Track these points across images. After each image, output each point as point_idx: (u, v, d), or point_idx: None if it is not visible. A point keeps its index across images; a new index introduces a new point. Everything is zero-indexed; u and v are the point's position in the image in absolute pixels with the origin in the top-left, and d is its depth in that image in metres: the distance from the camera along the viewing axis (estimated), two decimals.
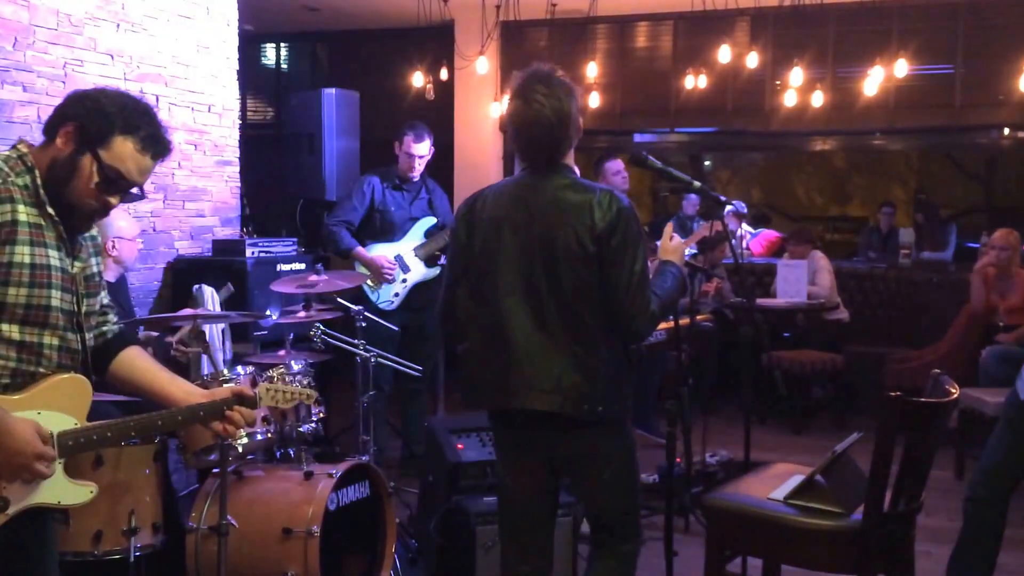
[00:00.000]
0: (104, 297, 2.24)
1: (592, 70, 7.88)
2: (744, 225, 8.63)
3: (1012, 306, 5.63)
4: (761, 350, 4.75)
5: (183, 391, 2.24)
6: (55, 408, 2.02)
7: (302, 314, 3.98)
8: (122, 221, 3.88)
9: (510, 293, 2.56)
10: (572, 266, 2.50)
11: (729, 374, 6.44)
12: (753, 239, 8.51)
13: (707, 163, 12.42)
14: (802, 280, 6.44)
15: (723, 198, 3.69)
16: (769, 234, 8.79)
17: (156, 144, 2.08)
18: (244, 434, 3.38)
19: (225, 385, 3.18)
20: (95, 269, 2.18)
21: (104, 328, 2.24)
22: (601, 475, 2.61)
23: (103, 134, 2.01)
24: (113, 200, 2.07)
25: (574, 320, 2.51)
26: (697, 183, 3.09)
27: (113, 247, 3.82)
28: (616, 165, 5.36)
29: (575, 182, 2.57)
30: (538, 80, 2.54)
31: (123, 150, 2.03)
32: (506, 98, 8.28)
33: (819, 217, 11.85)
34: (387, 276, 4.95)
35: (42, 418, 1.99)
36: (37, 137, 4.04)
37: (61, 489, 2.04)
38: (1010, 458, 3.31)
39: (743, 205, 9.20)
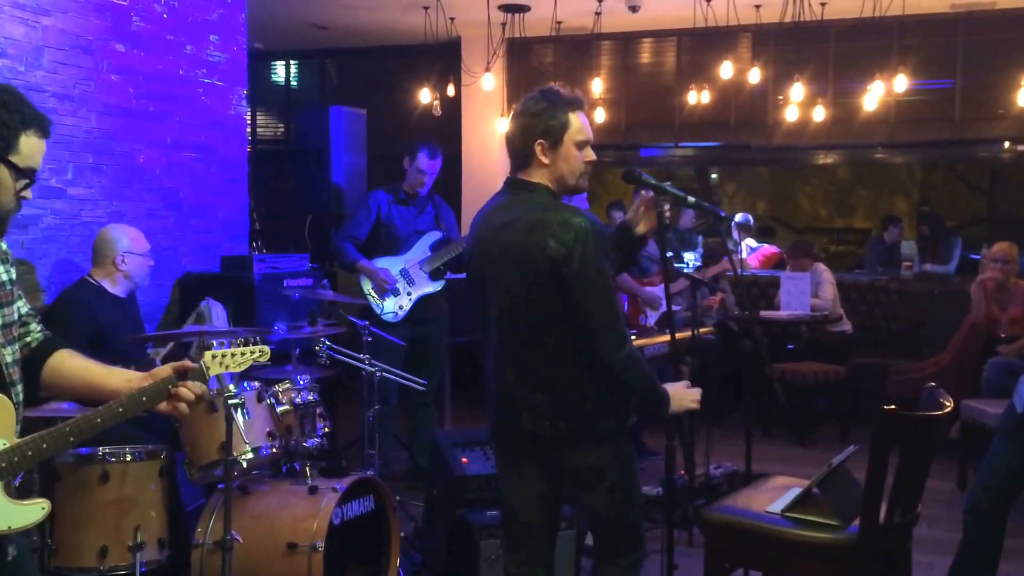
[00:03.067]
0: (23, 306, 2.11)
1: (597, 86, 7.95)
2: (748, 240, 8.65)
3: (1013, 317, 5.65)
4: (762, 362, 4.79)
5: (123, 380, 2.09)
6: None
7: (308, 329, 4.03)
8: (131, 236, 3.93)
9: (491, 310, 2.64)
10: (531, 288, 2.52)
11: (733, 386, 6.46)
12: (751, 254, 8.53)
13: (713, 176, 12.46)
14: (805, 292, 6.46)
15: (723, 213, 3.73)
16: (767, 249, 8.81)
17: (46, 123, 1.99)
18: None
19: (231, 401, 3.22)
20: (4, 277, 2.02)
21: (28, 339, 2.12)
22: (595, 489, 2.64)
23: (8, 141, 1.92)
24: (29, 194, 1.99)
25: (536, 338, 2.54)
26: (691, 198, 3.09)
27: (123, 262, 3.86)
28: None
29: (541, 202, 2.57)
30: (526, 98, 2.66)
31: (31, 146, 1.96)
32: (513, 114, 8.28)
33: (824, 229, 11.87)
34: (386, 286, 5.01)
35: None
36: (47, 156, 4.11)
37: (7, 514, 1.91)
38: (1009, 470, 3.33)
39: (749, 217, 9.22)
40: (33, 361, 2.11)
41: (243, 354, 2.24)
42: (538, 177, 2.62)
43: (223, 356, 2.20)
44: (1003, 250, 5.68)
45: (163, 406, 2.08)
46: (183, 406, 2.08)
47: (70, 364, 2.14)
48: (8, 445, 1.91)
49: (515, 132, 2.62)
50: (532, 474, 2.70)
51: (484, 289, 2.65)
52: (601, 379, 2.56)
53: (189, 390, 2.09)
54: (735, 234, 7.77)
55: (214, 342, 2.24)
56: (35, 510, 1.96)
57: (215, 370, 2.19)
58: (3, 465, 1.88)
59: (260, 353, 2.28)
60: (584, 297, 2.48)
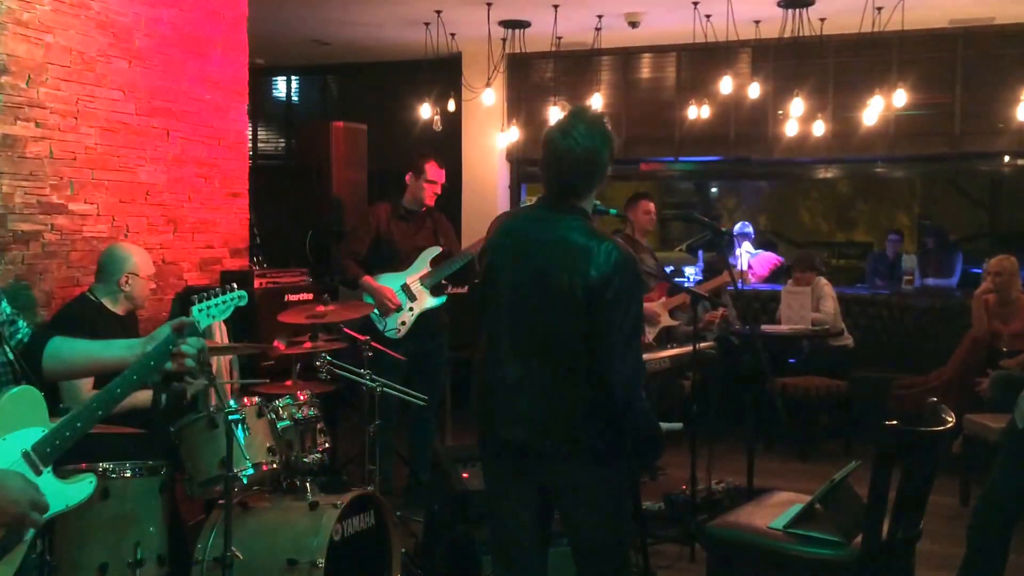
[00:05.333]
0: (6, 305, 2.24)
1: (597, 101, 7.98)
2: (746, 244, 8.62)
3: (1015, 331, 5.65)
4: (763, 377, 4.80)
5: (123, 349, 2.25)
6: (17, 426, 2.02)
7: (309, 344, 4.03)
8: (138, 258, 3.92)
9: (502, 323, 2.63)
10: (560, 307, 2.52)
11: (734, 401, 6.46)
12: (754, 258, 8.52)
13: (713, 190, 12.50)
14: (806, 306, 6.46)
15: (723, 229, 3.75)
16: (772, 257, 8.82)
17: None
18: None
19: (231, 416, 3.22)
20: None
21: (19, 335, 2.24)
22: (584, 506, 2.62)
23: None
24: None
25: (554, 357, 2.54)
26: (695, 214, 3.13)
27: (126, 283, 3.85)
28: (647, 205, 5.92)
29: (583, 227, 2.58)
30: (581, 118, 2.60)
31: None
32: (513, 128, 8.35)
33: (825, 243, 11.88)
34: (392, 306, 5.02)
35: (7, 442, 2.00)
36: (48, 171, 4.13)
37: (63, 494, 2.08)
38: (1012, 486, 3.33)
39: (747, 225, 9.19)
40: (30, 354, 2.22)
41: (224, 302, 2.44)
42: (584, 202, 2.63)
43: (208, 307, 2.41)
44: (999, 263, 5.70)
45: (169, 366, 2.24)
46: (189, 361, 2.24)
47: (67, 348, 2.28)
48: (47, 431, 2.06)
49: (602, 154, 2.57)
50: (524, 491, 2.68)
51: (505, 301, 2.62)
52: (604, 397, 2.55)
53: (191, 345, 2.24)
54: (737, 244, 7.76)
55: (195, 296, 2.42)
56: (85, 485, 2.15)
57: (205, 322, 2.38)
58: (47, 450, 2.03)
59: (239, 298, 2.49)
60: (614, 327, 2.49)
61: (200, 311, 2.39)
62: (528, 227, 2.66)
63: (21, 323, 2.26)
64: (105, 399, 2.14)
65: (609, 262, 2.49)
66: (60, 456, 2.07)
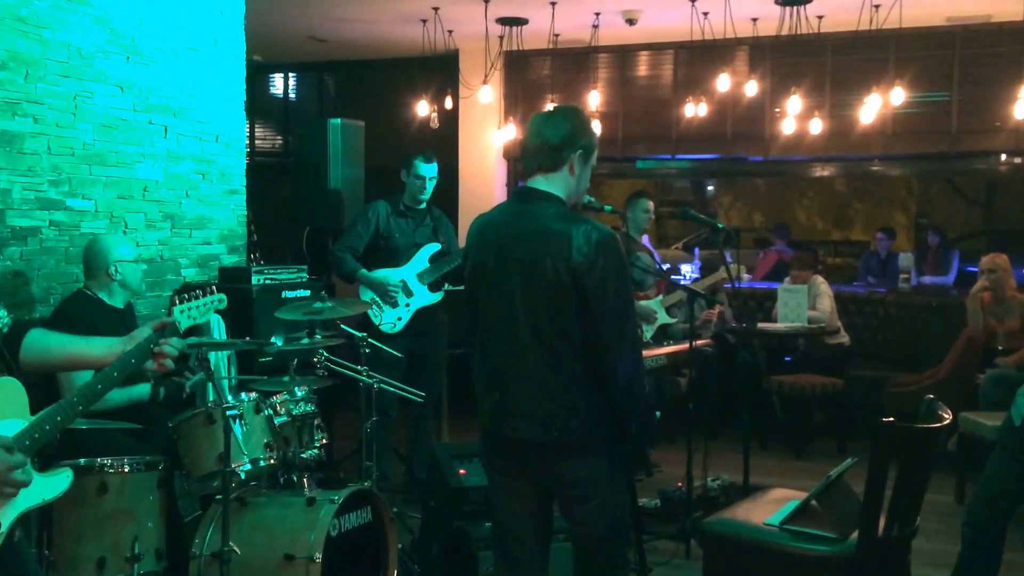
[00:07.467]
0: None
1: (594, 98, 7.99)
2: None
3: (1010, 329, 5.67)
4: (759, 375, 4.82)
5: (104, 347, 2.27)
6: None
7: (306, 341, 4.03)
8: (121, 246, 3.91)
9: (492, 318, 2.63)
10: (548, 295, 2.51)
11: (731, 399, 6.47)
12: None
13: (710, 188, 12.51)
14: (802, 304, 6.47)
15: (720, 225, 3.76)
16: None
17: None
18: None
19: (229, 412, 3.22)
20: None
21: None
22: (584, 502, 2.63)
23: None
24: None
25: (547, 348, 2.53)
26: (691, 211, 3.14)
27: (116, 271, 3.85)
28: (645, 204, 6.00)
29: (558, 213, 2.58)
30: (567, 106, 2.70)
31: None
32: (510, 125, 8.33)
33: (821, 241, 11.90)
34: (390, 293, 5.01)
35: None
36: (46, 167, 4.13)
37: (39, 487, 2.09)
38: (1007, 483, 3.34)
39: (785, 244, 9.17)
40: (9, 344, 2.22)
41: (204, 305, 2.52)
42: (556, 187, 2.61)
43: (189, 309, 2.49)
44: (991, 260, 5.73)
45: (150, 364, 2.28)
46: (168, 362, 2.30)
47: (47, 341, 2.29)
48: (27, 423, 2.06)
49: (559, 134, 2.59)
50: (524, 486, 2.68)
51: (493, 297, 2.62)
52: (600, 388, 2.55)
53: (173, 346, 2.29)
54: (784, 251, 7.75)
55: (176, 298, 2.48)
56: (62, 479, 2.15)
57: (185, 323, 2.45)
58: (27, 443, 2.02)
59: (218, 301, 2.56)
60: (603, 311, 2.48)
61: (181, 312, 2.46)
62: (504, 222, 2.65)
63: (2, 312, 2.26)
64: (85, 394, 2.16)
65: (590, 243, 2.48)
66: (40, 449, 2.08)
